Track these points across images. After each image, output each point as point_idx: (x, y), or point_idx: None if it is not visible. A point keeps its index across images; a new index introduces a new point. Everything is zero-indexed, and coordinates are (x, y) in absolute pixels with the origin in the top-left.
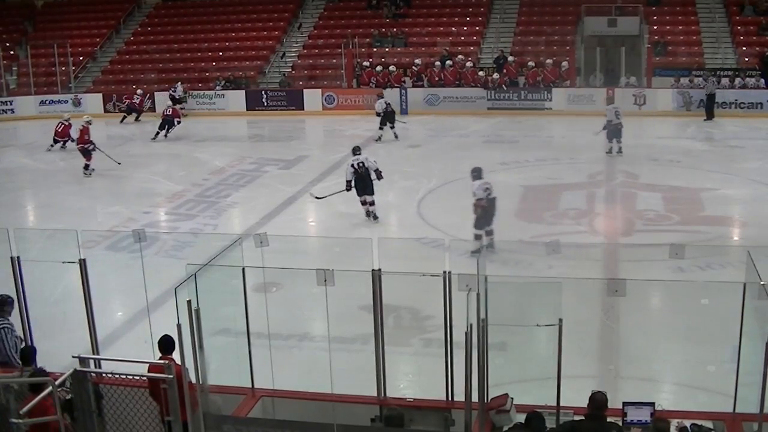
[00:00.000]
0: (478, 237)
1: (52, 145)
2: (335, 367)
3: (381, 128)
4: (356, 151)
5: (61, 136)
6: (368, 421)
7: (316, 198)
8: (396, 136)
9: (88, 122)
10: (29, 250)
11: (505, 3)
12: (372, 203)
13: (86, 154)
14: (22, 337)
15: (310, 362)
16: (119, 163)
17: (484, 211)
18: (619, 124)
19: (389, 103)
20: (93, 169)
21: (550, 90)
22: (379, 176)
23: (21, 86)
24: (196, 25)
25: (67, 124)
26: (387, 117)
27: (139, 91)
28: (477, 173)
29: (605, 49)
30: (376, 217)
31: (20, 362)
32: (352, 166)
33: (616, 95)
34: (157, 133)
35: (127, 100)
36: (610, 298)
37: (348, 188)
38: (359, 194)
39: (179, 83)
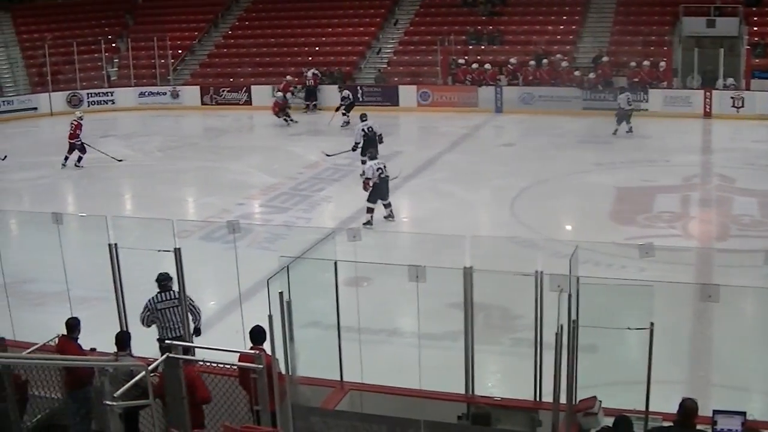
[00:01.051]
0: (369, 210)
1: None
2: (424, 364)
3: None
4: (363, 117)
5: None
6: (455, 419)
7: (327, 155)
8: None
9: (80, 118)
10: (126, 238)
11: (602, 2)
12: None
13: (73, 149)
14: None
15: (399, 357)
16: (120, 161)
17: (376, 188)
18: (631, 110)
19: (349, 95)
20: (81, 165)
21: (647, 91)
22: (381, 140)
23: (121, 78)
24: (293, 20)
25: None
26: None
27: (312, 71)
28: (372, 154)
29: (703, 50)
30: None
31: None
32: (363, 130)
33: (714, 97)
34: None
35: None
36: (703, 303)
37: (354, 148)
38: (363, 154)
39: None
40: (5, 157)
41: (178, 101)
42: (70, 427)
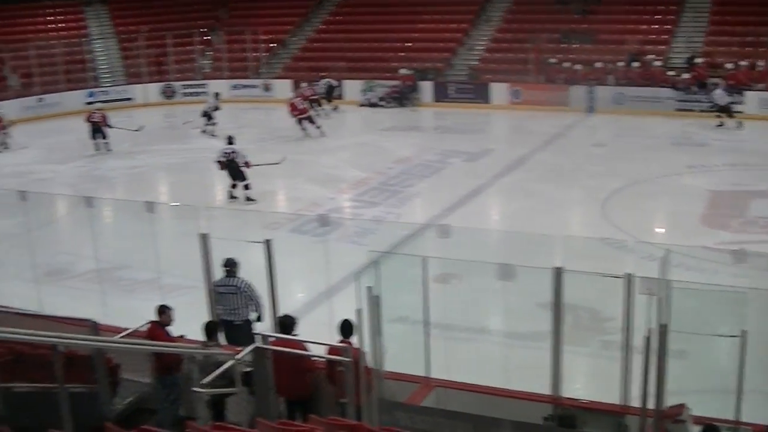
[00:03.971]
0: (232, 186)
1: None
2: (510, 363)
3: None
4: (230, 140)
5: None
6: (540, 420)
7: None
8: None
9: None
10: (217, 228)
11: (698, 1)
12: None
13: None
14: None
15: (486, 356)
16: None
17: (227, 169)
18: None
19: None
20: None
21: (742, 93)
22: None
23: (215, 70)
24: (385, 15)
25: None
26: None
27: (402, 71)
28: (229, 139)
29: None
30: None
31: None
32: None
33: None
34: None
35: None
36: None
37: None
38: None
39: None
40: (141, 128)
41: (270, 94)
42: (158, 411)
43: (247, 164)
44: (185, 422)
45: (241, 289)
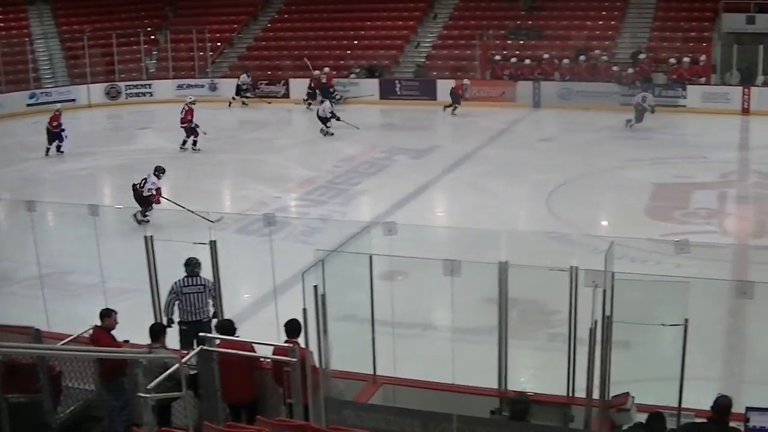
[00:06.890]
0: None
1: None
2: (457, 358)
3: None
4: (158, 171)
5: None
6: (488, 413)
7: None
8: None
9: (191, 103)
10: (162, 230)
11: None
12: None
13: (190, 134)
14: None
15: (432, 352)
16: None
17: (135, 194)
18: (644, 109)
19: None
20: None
21: (685, 87)
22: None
23: (160, 70)
24: (333, 13)
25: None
26: None
27: (326, 69)
28: (155, 169)
29: (742, 46)
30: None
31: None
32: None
33: (753, 93)
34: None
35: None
36: (738, 300)
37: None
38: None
39: (245, 73)
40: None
41: (217, 94)
42: (103, 419)
43: (150, 198)
44: (131, 428)
45: (208, 287)
